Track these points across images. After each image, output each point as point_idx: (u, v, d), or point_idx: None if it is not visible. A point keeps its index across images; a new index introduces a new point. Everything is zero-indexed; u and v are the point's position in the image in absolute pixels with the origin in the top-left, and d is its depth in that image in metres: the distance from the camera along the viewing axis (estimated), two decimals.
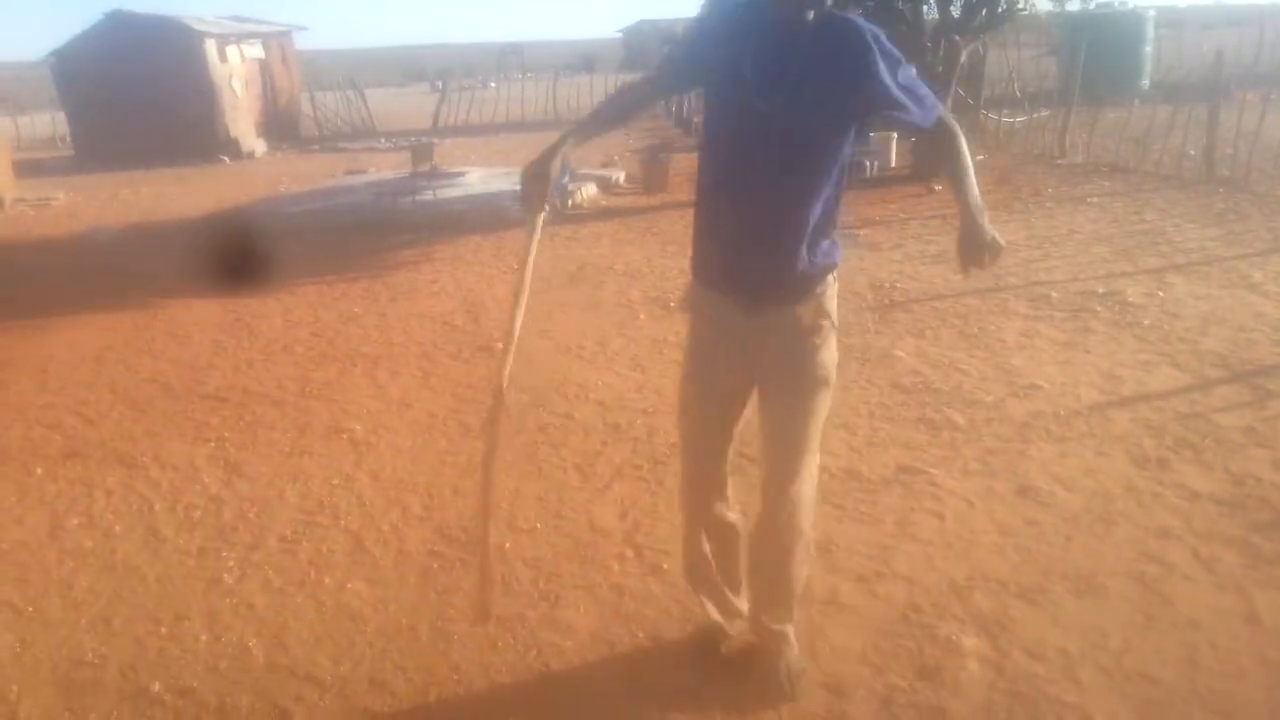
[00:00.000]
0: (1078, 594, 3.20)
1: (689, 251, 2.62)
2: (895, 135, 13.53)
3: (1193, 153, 11.19)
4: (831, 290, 2.52)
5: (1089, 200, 9.97)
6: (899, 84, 2.26)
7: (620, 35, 63.41)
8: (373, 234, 10.42)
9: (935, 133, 2.40)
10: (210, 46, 20.43)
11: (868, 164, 12.60)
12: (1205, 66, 12.19)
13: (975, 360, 5.44)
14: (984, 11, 12.18)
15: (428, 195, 12.04)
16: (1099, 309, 6.23)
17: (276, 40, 24.57)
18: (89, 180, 17.25)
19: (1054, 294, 6.60)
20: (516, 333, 2.48)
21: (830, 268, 2.48)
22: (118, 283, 8.80)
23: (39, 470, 4.67)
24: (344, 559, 3.68)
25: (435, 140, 17.41)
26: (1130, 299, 6.39)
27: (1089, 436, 4.38)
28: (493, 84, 31.92)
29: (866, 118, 2.36)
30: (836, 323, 2.54)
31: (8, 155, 16.99)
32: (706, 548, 2.81)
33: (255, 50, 22.92)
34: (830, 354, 2.53)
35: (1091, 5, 12.74)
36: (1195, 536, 3.50)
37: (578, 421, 4.89)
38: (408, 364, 5.98)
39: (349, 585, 3.50)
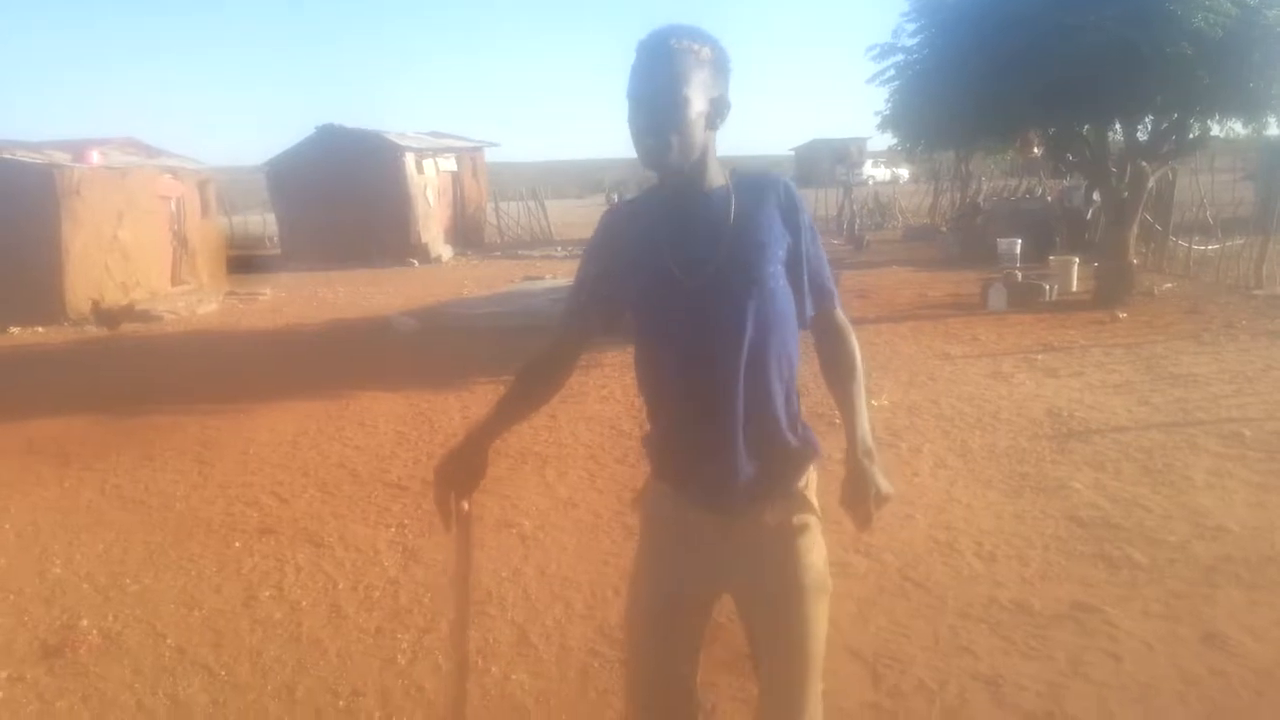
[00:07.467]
0: None
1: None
2: (1076, 259, 13.25)
3: None
4: (813, 482, 2.17)
5: None
6: (812, 252, 2.10)
7: (792, 153, 64.61)
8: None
9: (824, 324, 2.17)
10: (409, 160, 22.05)
11: (1047, 287, 12.32)
12: None
13: (1159, 497, 5.19)
14: (1174, 137, 11.83)
15: None
16: None
17: (469, 154, 26.29)
18: (292, 278, 18.70)
19: (1247, 432, 6.25)
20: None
21: (812, 454, 2.15)
22: (314, 372, 9.49)
23: (237, 544, 5.04)
24: (509, 650, 3.81)
25: None
26: None
27: None
28: None
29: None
30: (821, 518, 2.18)
31: (223, 253, 18.71)
32: None
33: (449, 164, 24.57)
34: (822, 554, 2.15)
35: None
36: None
37: None
38: (575, 464, 6.18)
39: (513, 676, 3.61)
